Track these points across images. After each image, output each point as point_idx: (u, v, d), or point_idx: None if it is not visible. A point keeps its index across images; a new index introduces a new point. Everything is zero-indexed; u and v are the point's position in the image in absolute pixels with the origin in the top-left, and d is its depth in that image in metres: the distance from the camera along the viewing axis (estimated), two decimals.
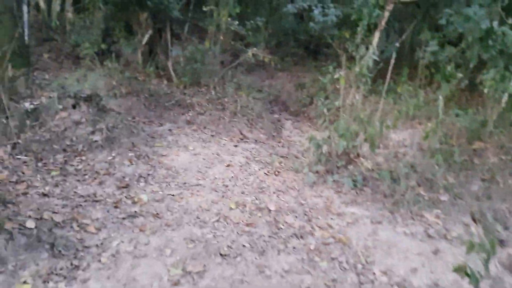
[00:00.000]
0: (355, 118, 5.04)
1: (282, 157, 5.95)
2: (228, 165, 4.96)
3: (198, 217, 3.59)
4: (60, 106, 4.51)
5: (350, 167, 4.75)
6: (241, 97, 7.95)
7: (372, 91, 7.42)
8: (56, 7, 10.68)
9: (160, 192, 4.00)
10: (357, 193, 4.43)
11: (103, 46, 8.19)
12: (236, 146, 5.89)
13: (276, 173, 4.95)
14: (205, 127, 6.58)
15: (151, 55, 8.48)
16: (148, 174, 4.38)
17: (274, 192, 4.31)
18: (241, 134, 6.75)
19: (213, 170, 4.75)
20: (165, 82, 8.15)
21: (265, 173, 4.89)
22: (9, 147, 4.02)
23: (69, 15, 9.61)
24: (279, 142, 7.10)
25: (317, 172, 4.76)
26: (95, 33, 9.09)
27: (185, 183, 4.31)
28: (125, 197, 3.76)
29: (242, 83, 8.82)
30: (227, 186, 4.36)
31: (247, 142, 6.36)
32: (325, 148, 4.85)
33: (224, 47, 8.94)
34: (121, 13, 8.65)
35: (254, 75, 11.46)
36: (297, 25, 14.01)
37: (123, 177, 4.19)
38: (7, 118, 4.18)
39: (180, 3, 7.85)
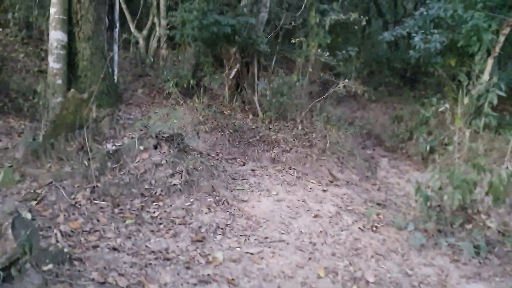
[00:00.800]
0: (473, 164, 4.12)
1: (379, 204, 5.16)
2: (315, 216, 4.34)
3: (279, 287, 3.01)
4: (142, 147, 4.34)
5: (469, 226, 3.84)
6: (331, 132, 7.32)
7: (486, 126, 6.31)
8: (153, 44, 11.24)
9: (238, 249, 3.51)
10: (480, 263, 3.51)
11: (192, 81, 8.22)
12: (324, 190, 5.25)
13: (374, 228, 4.19)
14: (290, 167, 6.06)
15: (238, 89, 8.30)
16: (227, 225, 3.95)
17: (372, 256, 3.58)
18: (331, 174, 6.10)
19: (298, 222, 4.16)
20: (251, 116, 7.87)
21: (360, 228, 4.17)
22: (88, 191, 3.88)
23: (163, 51, 9.96)
24: (374, 184, 6.30)
25: (425, 231, 3.92)
26: (185, 69, 9.25)
27: (266, 237, 3.78)
28: (199, 254, 3.34)
29: (331, 116, 8.20)
30: (314, 244, 3.74)
31: (338, 185, 5.68)
32: (435, 201, 4.00)
33: (312, 79, 8.46)
34: (210, 49, 8.67)
35: (344, 107, 10.76)
36: (391, 53, 13.10)
37: (199, 228, 3.80)
38: (89, 160, 4.08)
39: (268, 37, 7.59)
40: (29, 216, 3.37)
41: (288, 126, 7.54)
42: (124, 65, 11.06)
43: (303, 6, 7.45)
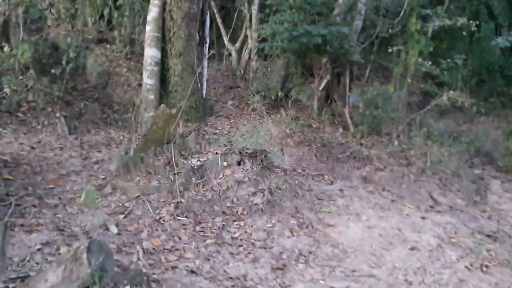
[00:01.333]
0: None
1: (489, 237, 4.43)
2: (412, 248, 3.83)
3: None
4: (225, 163, 4.26)
5: None
6: (432, 149, 6.58)
7: None
8: (244, 56, 11.40)
9: (321, 282, 3.20)
10: None
11: (280, 93, 8.09)
12: (424, 217, 4.66)
13: (484, 268, 3.56)
14: (384, 188, 5.54)
15: (328, 101, 7.96)
16: (310, 252, 3.65)
17: None
18: (431, 198, 5.44)
19: (391, 254, 3.71)
20: (341, 130, 7.46)
21: (466, 267, 3.57)
22: (172, 206, 3.89)
23: (253, 63, 10.03)
24: (484, 211, 5.47)
25: None
26: (274, 80, 9.18)
27: (353, 270, 3.40)
28: (279, 284, 3.10)
29: (432, 131, 7.41)
30: (410, 283, 3.26)
31: (439, 211, 5.03)
32: None
33: (411, 90, 7.76)
34: (300, 60, 8.47)
35: (448, 120, 9.72)
36: (505, 60, 11.60)
37: (281, 253, 3.56)
38: (175, 174, 4.10)
39: (361, 46, 7.15)
40: (115, 230, 3.45)
41: (382, 141, 6.99)
42: (217, 77, 11.39)
43: (402, 12, 6.86)
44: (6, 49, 6.63)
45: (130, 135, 5.14)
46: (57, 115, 6.31)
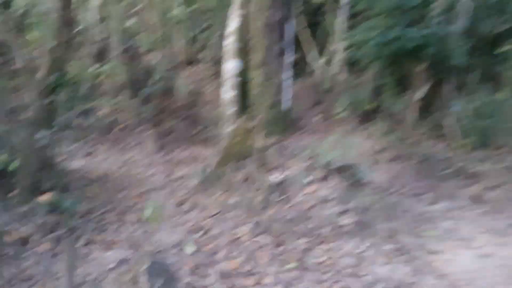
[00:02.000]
0: None
1: None
2: None
3: None
4: (308, 179, 3.89)
5: None
6: None
7: None
8: (332, 68, 10.97)
9: None
10: None
11: (370, 105, 7.50)
12: None
13: None
14: (500, 210, 4.66)
15: (426, 111, 7.14)
16: (410, 283, 3.09)
17: None
18: None
19: None
20: (442, 144, 6.60)
21: None
22: (251, 225, 3.62)
23: (341, 75, 9.55)
24: None
25: None
26: (364, 92, 8.59)
27: None
28: None
29: None
30: None
31: None
32: None
33: None
34: (392, 68, 7.81)
35: None
36: None
37: (374, 283, 3.06)
38: (254, 191, 3.84)
39: (465, 48, 6.31)
40: (193, 249, 3.27)
41: (494, 155, 6.00)
42: (303, 91, 11.09)
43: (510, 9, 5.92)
44: (102, 71, 7.11)
45: (213, 151, 5.06)
46: (147, 133, 6.52)
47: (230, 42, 4.50)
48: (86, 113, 6.77)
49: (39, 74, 3.31)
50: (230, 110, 4.42)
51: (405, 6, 6.45)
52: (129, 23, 8.57)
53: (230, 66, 4.48)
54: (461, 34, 6.57)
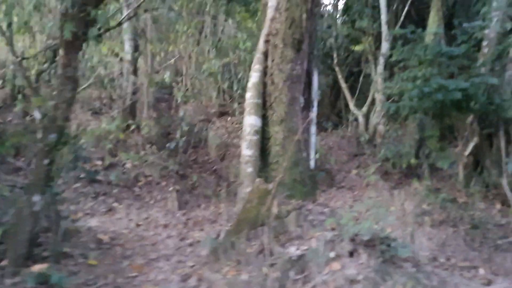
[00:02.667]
0: None
1: None
2: None
3: None
4: (332, 254, 3.32)
5: None
6: None
7: None
8: (372, 120, 10.42)
9: None
10: None
11: (412, 161, 6.85)
12: None
13: None
14: None
15: (477, 169, 6.38)
16: None
17: None
18: None
19: None
20: (498, 206, 5.77)
21: None
22: None
23: (380, 127, 8.98)
24: None
25: None
26: (406, 145, 7.95)
27: None
28: None
29: None
30: None
31: None
32: None
33: None
34: (437, 120, 7.19)
35: None
36: None
37: None
38: (269, 266, 3.33)
39: None
40: None
41: None
42: (342, 144, 10.57)
43: None
44: (132, 126, 7.04)
45: (228, 215, 4.63)
46: (170, 189, 6.24)
47: (248, 97, 4.21)
48: (111, 167, 6.64)
49: (39, 134, 3.09)
50: (248, 170, 4.03)
51: (447, 55, 5.95)
52: (163, 75, 8.64)
53: (248, 123, 4.16)
54: None
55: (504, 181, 5.70)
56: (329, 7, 13.08)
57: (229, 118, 8.93)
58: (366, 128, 10.56)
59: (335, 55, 11.53)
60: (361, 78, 12.07)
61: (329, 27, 11.91)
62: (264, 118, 4.20)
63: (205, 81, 9.05)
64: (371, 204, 5.15)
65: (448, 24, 8.71)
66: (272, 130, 4.18)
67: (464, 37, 6.58)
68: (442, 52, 5.99)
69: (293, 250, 3.41)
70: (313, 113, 4.49)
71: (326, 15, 12.18)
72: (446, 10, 8.58)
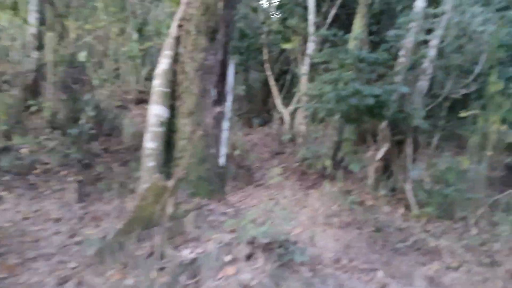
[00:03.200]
0: None
1: None
2: None
3: None
4: (229, 257, 3.14)
5: None
6: None
7: None
8: (298, 120, 10.49)
9: None
10: None
11: (327, 162, 6.95)
12: None
13: None
14: None
15: (386, 173, 6.62)
16: None
17: None
18: None
19: None
20: (401, 211, 6.02)
21: None
22: None
23: (302, 127, 9.06)
24: None
25: None
26: (325, 147, 8.06)
27: None
28: None
29: None
30: None
31: None
32: None
33: (493, 164, 6.21)
34: (354, 124, 7.36)
35: None
36: None
37: None
38: (160, 270, 3.06)
39: (426, 110, 5.90)
40: None
41: (455, 229, 5.44)
42: (266, 142, 10.54)
43: (476, 70, 5.59)
44: (33, 106, 6.34)
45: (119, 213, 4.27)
46: (70, 179, 5.68)
47: (156, 85, 3.89)
48: (4, 151, 5.90)
49: None
50: (149, 164, 3.72)
51: (367, 61, 6.06)
52: (76, 54, 7.91)
53: (153, 112, 3.83)
54: (423, 94, 6.19)
55: (408, 187, 5.95)
56: (265, 3, 13.00)
57: (147, 106, 8.44)
58: (291, 127, 10.63)
59: (265, 52, 11.47)
60: (288, 77, 12.13)
61: (263, 23, 11.80)
62: (172, 109, 3.91)
63: (124, 65, 8.47)
64: (286, 203, 5.10)
65: (375, 32, 8.99)
66: (180, 122, 3.89)
67: (387, 45, 6.77)
68: (361, 57, 6.09)
69: (186, 253, 3.18)
70: (227, 108, 4.28)
71: (260, 11, 12.05)
72: (372, 17, 8.82)
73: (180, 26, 3.99)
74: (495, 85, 5.07)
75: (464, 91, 5.69)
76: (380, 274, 4.61)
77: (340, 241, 5.37)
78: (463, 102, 6.17)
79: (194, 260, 3.13)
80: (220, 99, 4.16)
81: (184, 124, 3.89)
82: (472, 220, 5.48)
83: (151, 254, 3.17)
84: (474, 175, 5.63)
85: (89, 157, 6.41)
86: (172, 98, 3.93)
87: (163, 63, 3.96)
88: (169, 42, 4.00)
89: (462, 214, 5.63)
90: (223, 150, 4.23)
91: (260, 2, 12.85)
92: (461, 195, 5.55)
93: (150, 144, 3.79)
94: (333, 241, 5.28)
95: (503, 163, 6.92)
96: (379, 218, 5.76)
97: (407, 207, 6.02)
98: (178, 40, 3.98)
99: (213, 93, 4.02)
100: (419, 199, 5.88)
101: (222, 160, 4.22)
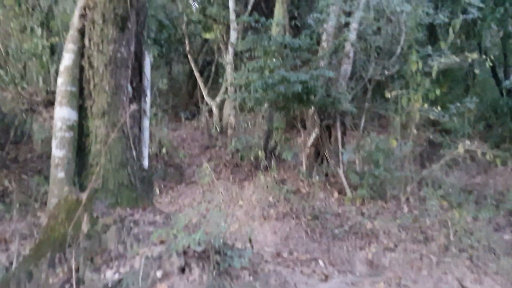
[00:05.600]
0: None
1: None
2: None
3: None
4: (160, 273, 2.80)
5: None
6: (452, 214, 5.12)
7: None
8: (227, 111, 10.18)
9: None
10: None
11: (260, 153, 6.78)
12: None
13: None
14: (398, 278, 4.03)
15: (318, 159, 6.61)
16: None
17: None
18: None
19: None
20: (336, 195, 6.04)
21: None
22: None
23: (232, 118, 8.81)
24: None
25: None
26: (256, 137, 7.89)
27: None
28: None
29: (446, 189, 5.98)
30: None
31: None
32: None
33: (417, 141, 6.46)
34: (283, 112, 7.25)
35: (459, 171, 8.33)
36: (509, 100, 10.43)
37: None
38: None
39: (352, 93, 5.92)
40: None
41: (388, 209, 5.56)
42: (194, 136, 10.14)
43: (398, 51, 5.69)
44: None
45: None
46: None
47: (60, 84, 3.37)
48: None
49: None
50: (58, 175, 3.21)
51: (290, 47, 5.93)
52: None
53: (59, 115, 3.32)
54: (347, 78, 6.22)
55: (340, 171, 5.97)
56: None
57: None
58: (220, 119, 10.33)
59: (187, 43, 11.01)
60: (213, 67, 11.81)
61: (182, 12, 11.30)
62: (81, 110, 3.42)
63: (31, 64, 7.56)
64: (220, 200, 4.82)
65: (294, 17, 8.95)
66: (92, 124, 3.41)
67: (308, 31, 6.71)
68: (285, 43, 5.95)
69: (110, 275, 2.78)
70: (146, 104, 3.87)
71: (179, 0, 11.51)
72: (291, 2, 8.75)
73: (83, 16, 3.49)
74: (414, 64, 5.19)
75: (386, 73, 5.77)
76: (321, 263, 4.55)
77: (279, 233, 5.24)
78: (384, 84, 6.31)
79: (119, 281, 2.74)
80: (137, 95, 3.73)
81: (96, 126, 3.42)
82: (403, 198, 5.63)
83: (67, 280, 2.72)
84: (400, 154, 5.77)
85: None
86: (80, 98, 3.44)
87: (67, 59, 3.44)
88: (72, 34, 3.48)
89: (393, 193, 5.77)
90: (146, 151, 3.83)
91: None
92: (390, 175, 5.67)
93: (58, 152, 3.28)
94: (271, 234, 5.13)
95: (427, 140, 7.28)
96: (315, 205, 5.72)
97: (341, 191, 6.05)
98: (82, 31, 3.48)
99: (128, 89, 3.59)
100: (351, 182, 5.92)
101: (145, 162, 3.82)
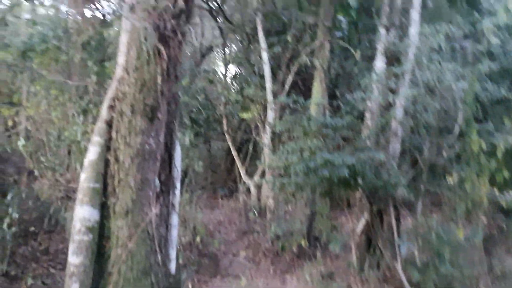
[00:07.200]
0: None
1: None
2: None
3: None
4: None
5: None
6: None
7: None
8: (266, 191, 9.67)
9: None
10: None
11: (303, 242, 6.12)
12: None
13: None
14: None
15: (370, 249, 5.84)
16: None
17: None
18: None
19: None
20: None
21: None
22: None
23: (270, 201, 8.28)
24: None
25: None
26: (297, 221, 7.26)
27: None
28: None
29: None
30: None
31: None
32: None
33: (485, 229, 5.59)
34: (327, 195, 6.68)
35: None
36: None
37: None
38: None
39: (406, 176, 5.31)
40: None
41: None
42: (232, 219, 9.60)
43: (455, 130, 5.13)
44: None
45: None
46: None
47: (83, 180, 3.07)
48: None
49: None
50: (73, 285, 2.78)
51: (331, 126, 5.55)
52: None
53: (79, 216, 2.97)
54: (397, 157, 5.66)
55: (399, 266, 5.16)
56: (220, 74, 12.82)
57: None
58: (258, 199, 9.82)
59: (224, 122, 10.99)
60: (250, 146, 11.60)
61: (221, 93, 11.48)
62: (104, 209, 3.07)
63: (71, 151, 7.61)
64: None
65: (332, 95, 8.69)
66: (114, 225, 3.03)
67: (347, 108, 6.35)
68: (326, 123, 5.57)
69: None
70: (175, 197, 3.47)
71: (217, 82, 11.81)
72: (329, 81, 8.55)
73: (111, 107, 3.28)
74: (476, 143, 4.59)
75: (445, 155, 5.17)
76: None
77: None
78: (442, 163, 5.65)
79: None
80: (165, 189, 3.36)
81: (118, 227, 3.03)
82: None
83: None
84: (469, 246, 4.94)
85: (17, 266, 5.30)
86: (104, 196, 3.10)
87: (92, 153, 3.18)
88: (99, 127, 3.26)
89: None
90: (173, 253, 3.35)
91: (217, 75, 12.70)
92: (459, 272, 4.81)
93: (74, 259, 2.88)
94: None
95: (496, 227, 6.37)
96: None
97: None
98: (110, 123, 3.25)
99: (156, 183, 3.23)
100: (412, 280, 5.07)
101: (172, 266, 3.32)
